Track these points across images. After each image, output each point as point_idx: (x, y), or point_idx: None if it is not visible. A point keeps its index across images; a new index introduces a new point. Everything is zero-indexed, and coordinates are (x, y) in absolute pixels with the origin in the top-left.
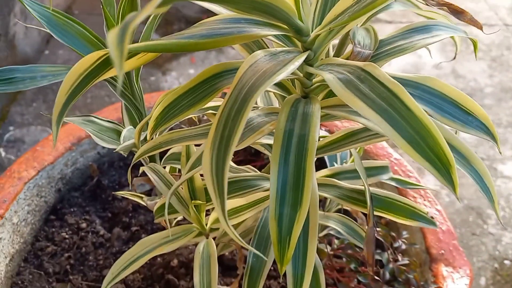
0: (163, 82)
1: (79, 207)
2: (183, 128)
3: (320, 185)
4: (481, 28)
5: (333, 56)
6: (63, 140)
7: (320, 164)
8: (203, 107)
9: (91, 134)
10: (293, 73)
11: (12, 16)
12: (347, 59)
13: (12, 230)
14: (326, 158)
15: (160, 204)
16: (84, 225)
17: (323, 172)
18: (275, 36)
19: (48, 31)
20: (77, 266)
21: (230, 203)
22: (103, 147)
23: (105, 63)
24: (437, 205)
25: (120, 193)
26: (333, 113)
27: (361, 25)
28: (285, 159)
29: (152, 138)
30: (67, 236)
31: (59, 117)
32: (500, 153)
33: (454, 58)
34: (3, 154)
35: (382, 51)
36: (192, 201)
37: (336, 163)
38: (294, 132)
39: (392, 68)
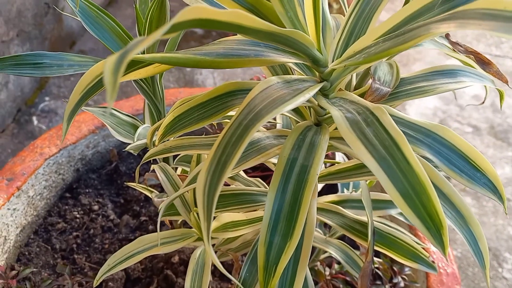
0: (197, 74)
1: (94, 189)
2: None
3: (324, 210)
4: (506, 82)
5: (356, 85)
6: (88, 123)
7: (332, 187)
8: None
9: (108, 126)
10: (308, 100)
11: None
12: (364, 93)
13: (27, 203)
14: (339, 184)
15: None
16: (96, 207)
17: (331, 197)
18: (294, 63)
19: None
20: (83, 246)
21: (231, 216)
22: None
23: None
24: None
25: (131, 184)
26: (339, 146)
27: (387, 59)
28: (283, 187)
29: (162, 142)
30: (78, 216)
31: (71, 115)
32: (506, 213)
33: (483, 103)
34: (35, 122)
35: (401, 90)
36: (193, 208)
37: (348, 189)
38: (297, 161)
39: None
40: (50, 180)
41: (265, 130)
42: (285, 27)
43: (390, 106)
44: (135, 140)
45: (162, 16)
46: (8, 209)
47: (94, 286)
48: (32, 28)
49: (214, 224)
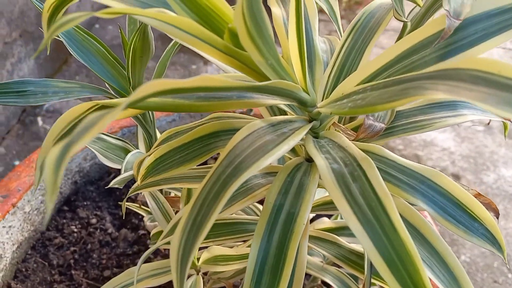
0: (203, 72)
1: (93, 202)
2: None
3: (319, 239)
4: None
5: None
6: None
7: None
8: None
9: (96, 152)
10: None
11: None
12: (358, 127)
13: (23, 219)
14: None
15: (156, 231)
16: (94, 220)
17: (327, 223)
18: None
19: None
20: (80, 261)
21: (221, 250)
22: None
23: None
24: None
25: (127, 204)
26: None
27: None
28: (268, 237)
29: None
30: (76, 230)
31: (43, 164)
32: (506, 263)
33: (488, 123)
34: (40, 123)
35: (397, 124)
36: None
37: None
38: (284, 207)
39: None
40: None
41: None
42: (265, 75)
43: (385, 141)
44: (123, 168)
45: (145, 46)
46: (4, 227)
47: None
48: (35, 28)
49: (204, 255)
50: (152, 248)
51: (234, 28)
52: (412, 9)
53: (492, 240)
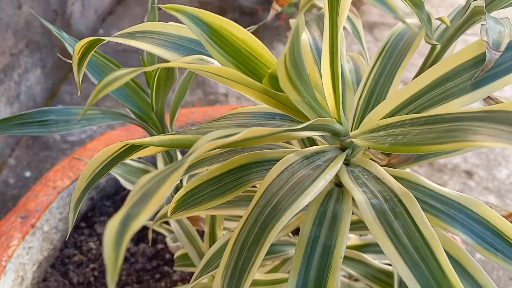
0: (222, 91)
1: (110, 217)
2: None
3: (346, 258)
4: None
5: None
6: (100, 149)
7: None
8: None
9: (118, 177)
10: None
11: None
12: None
13: (42, 238)
14: None
15: (180, 254)
16: None
17: (353, 240)
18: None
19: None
20: (100, 278)
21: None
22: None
23: (129, 150)
24: None
25: (147, 224)
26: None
27: None
28: (305, 272)
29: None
30: (94, 246)
31: (77, 203)
32: None
33: None
34: (58, 137)
35: None
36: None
37: None
38: (319, 240)
39: None
40: (65, 212)
41: None
42: (300, 111)
43: (416, 165)
44: None
45: (170, 74)
46: (24, 248)
47: None
48: (41, 37)
49: None
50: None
51: (275, 71)
52: (437, 27)
53: None
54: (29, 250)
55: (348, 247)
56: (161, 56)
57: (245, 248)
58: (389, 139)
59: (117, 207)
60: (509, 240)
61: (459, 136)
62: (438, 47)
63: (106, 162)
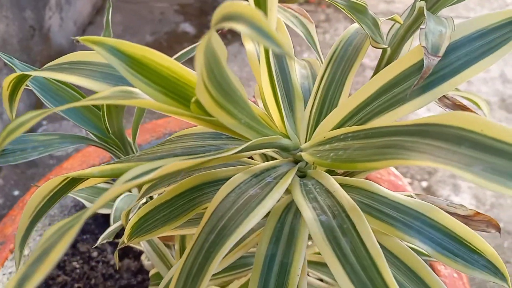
0: None
1: (92, 234)
2: None
3: (319, 264)
4: None
5: None
6: (76, 168)
7: None
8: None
9: (83, 201)
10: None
11: (47, 10)
12: None
13: (23, 263)
14: None
15: (154, 273)
16: (95, 254)
17: None
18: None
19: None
20: None
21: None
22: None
23: (72, 183)
24: None
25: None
26: None
27: None
28: None
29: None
30: (77, 266)
31: (22, 241)
32: None
33: None
34: None
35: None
36: None
37: None
38: (276, 258)
39: None
40: None
41: None
42: (240, 134)
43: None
44: (112, 217)
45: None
46: (4, 274)
47: None
48: (19, 54)
49: None
50: None
51: (199, 100)
52: (392, 26)
53: (494, 270)
54: (10, 275)
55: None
56: (88, 88)
57: (189, 278)
58: (331, 154)
59: (98, 224)
60: (468, 245)
61: (391, 153)
62: (388, 50)
63: (48, 197)
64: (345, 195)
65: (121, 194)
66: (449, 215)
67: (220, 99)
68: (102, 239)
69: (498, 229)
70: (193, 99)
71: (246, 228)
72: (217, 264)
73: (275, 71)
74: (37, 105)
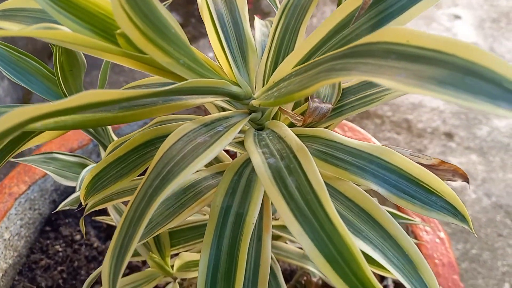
0: None
1: (74, 218)
2: None
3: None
4: (467, 179)
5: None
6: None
7: None
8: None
9: (50, 173)
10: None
11: None
12: (302, 114)
13: (4, 246)
14: None
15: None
16: (78, 237)
17: None
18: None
19: None
20: (69, 280)
21: (190, 256)
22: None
23: (19, 139)
24: (440, 232)
25: (100, 219)
26: None
27: None
28: (218, 244)
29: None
30: (60, 249)
31: None
32: (474, 233)
33: None
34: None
35: (345, 102)
36: (150, 252)
37: None
38: (232, 209)
39: None
40: (26, 218)
41: (204, 168)
42: (181, 76)
43: (337, 122)
44: (78, 186)
45: (71, 58)
46: None
47: None
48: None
49: (177, 262)
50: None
51: (124, 33)
52: None
53: (453, 211)
54: None
55: None
56: (12, 35)
57: (131, 224)
58: (275, 94)
59: (81, 208)
60: (425, 186)
61: (322, 77)
62: None
63: None
64: (295, 138)
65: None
66: (405, 157)
67: (150, 33)
68: (63, 205)
69: (466, 178)
70: (118, 31)
71: (190, 172)
72: (155, 208)
73: (226, 22)
74: (24, 99)
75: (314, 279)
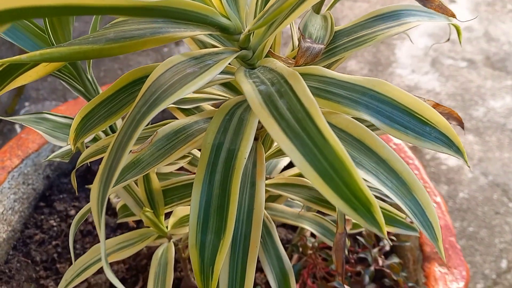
0: (176, 53)
1: (69, 193)
2: None
3: (289, 185)
4: (453, 15)
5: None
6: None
7: None
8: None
9: (42, 133)
10: (233, 74)
11: None
12: (294, 58)
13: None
14: None
15: (120, 205)
16: (72, 212)
17: (296, 169)
18: (203, 35)
19: None
20: (64, 254)
21: (184, 210)
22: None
23: (5, 76)
24: (436, 197)
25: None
26: None
27: (327, 9)
28: (210, 179)
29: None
30: (55, 224)
31: None
32: (469, 167)
33: (447, 40)
34: (18, 130)
35: (338, 44)
36: (143, 208)
37: None
38: (223, 146)
39: (418, 32)
40: (19, 192)
41: (196, 114)
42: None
43: (328, 64)
44: (67, 144)
45: None
46: None
47: None
48: None
49: (171, 220)
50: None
51: None
52: None
53: (448, 142)
54: None
55: (292, 175)
56: None
57: (119, 148)
58: (264, 17)
59: (76, 183)
60: (419, 116)
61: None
62: None
63: None
64: (286, 67)
65: None
66: (398, 88)
67: None
68: (54, 156)
69: (460, 122)
70: None
71: (180, 95)
72: (140, 130)
73: None
74: (19, 88)
75: (310, 244)
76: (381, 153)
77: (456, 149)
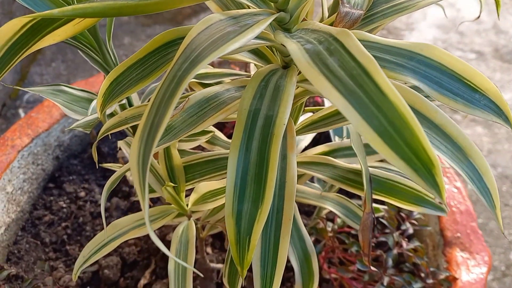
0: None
1: (78, 175)
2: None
3: (314, 164)
4: None
5: (329, 17)
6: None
7: (325, 138)
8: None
9: (60, 106)
10: (267, 39)
11: None
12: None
13: (7, 199)
14: (331, 131)
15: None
16: (82, 193)
17: (320, 148)
18: None
19: None
20: (74, 236)
21: (208, 186)
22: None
23: (34, 32)
24: (456, 182)
25: (107, 165)
26: (311, 88)
27: None
28: (246, 146)
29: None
30: (64, 205)
31: None
32: None
33: (478, 17)
34: (22, 115)
35: (377, 11)
36: (166, 183)
37: (341, 137)
38: (260, 112)
39: (427, 23)
40: (29, 172)
41: (227, 82)
42: None
43: (366, 30)
44: (90, 108)
45: None
46: None
47: (74, 279)
48: (1, 17)
49: (192, 197)
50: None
51: None
52: None
53: (497, 111)
54: None
55: (316, 154)
56: None
57: (161, 105)
58: None
59: (85, 165)
60: (468, 83)
61: None
62: None
63: (7, 46)
64: (331, 27)
65: None
66: (447, 52)
67: None
68: (76, 125)
69: None
70: None
71: (224, 51)
72: (187, 83)
73: None
74: (22, 73)
75: (329, 228)
76: (434, 118)
77: (505, 118)
